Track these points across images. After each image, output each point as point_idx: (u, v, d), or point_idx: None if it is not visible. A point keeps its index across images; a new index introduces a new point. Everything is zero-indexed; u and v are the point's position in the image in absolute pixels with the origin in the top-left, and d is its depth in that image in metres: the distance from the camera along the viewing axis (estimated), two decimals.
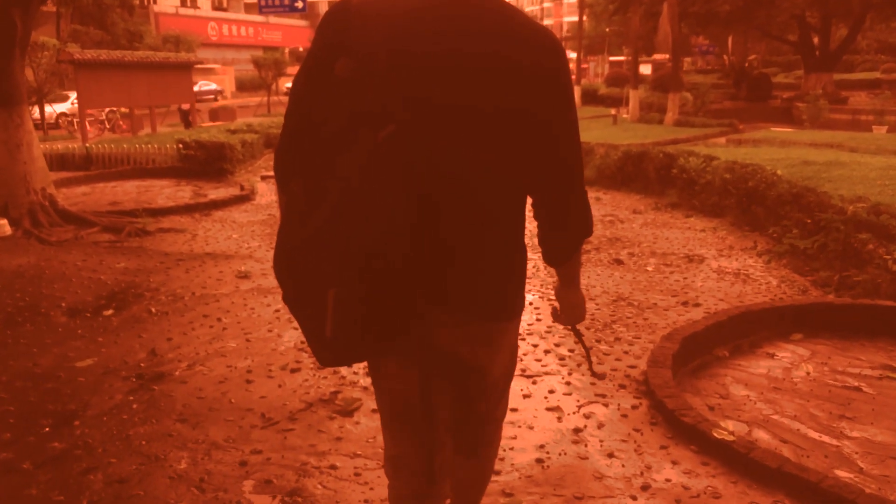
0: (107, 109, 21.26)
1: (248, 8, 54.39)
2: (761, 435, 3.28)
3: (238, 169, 12.28)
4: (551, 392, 3.63)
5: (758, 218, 7.19)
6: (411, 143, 1.43)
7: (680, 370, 3.97)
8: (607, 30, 48.71)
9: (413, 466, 1.79)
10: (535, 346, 4.27)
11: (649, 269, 5.99)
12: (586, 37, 42.39)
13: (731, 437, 3.00)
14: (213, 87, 40.54)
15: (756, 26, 30.78)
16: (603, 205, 9.07)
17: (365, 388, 3.65)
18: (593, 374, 3.02)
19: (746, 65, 35.90)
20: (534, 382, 3.75)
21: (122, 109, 20.93)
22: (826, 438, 3.23)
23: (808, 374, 3.96)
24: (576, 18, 42.63)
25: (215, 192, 10.39)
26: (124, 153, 13.42)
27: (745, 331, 4.48)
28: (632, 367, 3.95)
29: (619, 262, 6.21)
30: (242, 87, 45.41)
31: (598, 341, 4.34)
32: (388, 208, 1.43)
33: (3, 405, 3.54)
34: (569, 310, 1.87)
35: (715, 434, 3.01)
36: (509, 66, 1.48)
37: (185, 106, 21.64)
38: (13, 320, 4.83)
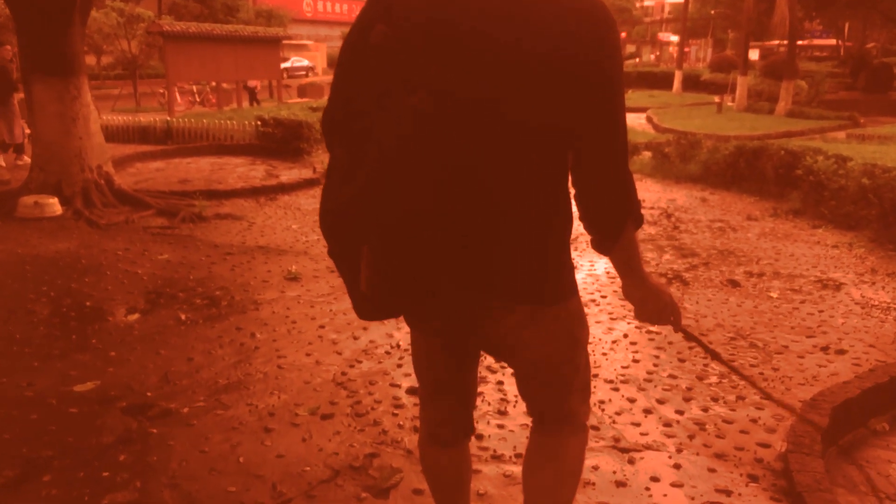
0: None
1: None
2: None
3: (315, 149, 11.68)
4: (654, 480, 2.70)
5: None
6: (441, 111, 1.39)
7: (827, 450, 2.99)
8: (712, 12, 45.99)
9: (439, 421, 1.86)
10: (632, 401, 3.34)
11: (773, 295, 4.91)
12: (689, 18, 39.88)
13: None
14: (305, 63, 40.66)
15: (880, 11, 28.20)
16: (710, 207, 7.94)
17: (409, 453, 2.83)
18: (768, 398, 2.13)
19: (865, 53, 33.10)
20: (630, 461, 2.82)
21: (211, 83, 20.83)
22: None
23: None
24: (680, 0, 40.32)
25: (287, 174, 9.82)
26: (204, 128, 13.07)
27: None
28: (763, 445, 2.97)
29: (734, 283, 5.15)
30: (333, 63, 45.40)
31: (716, 399, 3.37)
32: (420, 173, 1.40)
33: None
34: (641, 308, 1.67)
35: None
36: (545, 57, 1.39)
37: (252, 83, 21.34)
38: (29, 320, 4.26)
